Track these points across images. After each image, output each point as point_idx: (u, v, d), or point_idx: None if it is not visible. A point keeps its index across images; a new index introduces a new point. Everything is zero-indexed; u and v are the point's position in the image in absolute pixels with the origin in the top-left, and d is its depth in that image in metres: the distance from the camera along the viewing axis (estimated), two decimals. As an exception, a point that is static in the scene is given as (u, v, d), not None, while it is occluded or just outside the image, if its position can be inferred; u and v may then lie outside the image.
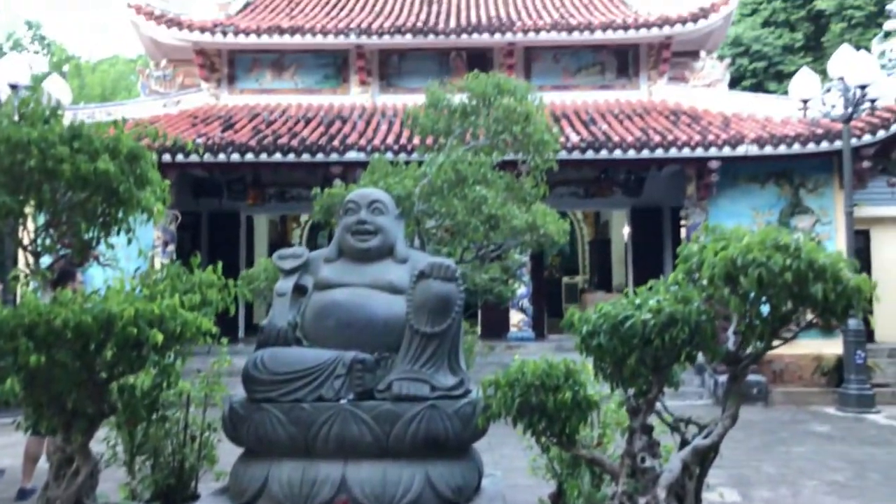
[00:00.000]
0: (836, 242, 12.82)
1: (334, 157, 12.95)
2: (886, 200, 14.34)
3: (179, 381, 4.39)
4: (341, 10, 16.70)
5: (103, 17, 48.15)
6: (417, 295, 3.98)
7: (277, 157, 12.96)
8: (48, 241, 4.04)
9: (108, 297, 3.51)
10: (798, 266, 3.30)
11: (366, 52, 15.55)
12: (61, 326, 3.27)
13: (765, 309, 3.56)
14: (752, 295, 3.45)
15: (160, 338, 3.43)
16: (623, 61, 15.87)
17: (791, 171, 13.50)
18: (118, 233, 4.10)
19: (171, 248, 13.33)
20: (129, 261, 4.66)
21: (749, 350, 3.78)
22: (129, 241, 4.04)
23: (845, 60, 11.18)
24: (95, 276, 9.34)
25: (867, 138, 12.49)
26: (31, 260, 4.05)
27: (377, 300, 4.17)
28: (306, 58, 15.91)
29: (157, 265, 12.16)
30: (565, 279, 20.81)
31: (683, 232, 13.82)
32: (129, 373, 3.71)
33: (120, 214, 3.99)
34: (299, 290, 4.35)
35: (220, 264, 3.99)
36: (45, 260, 4.30)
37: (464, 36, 15.02)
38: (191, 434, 5.10)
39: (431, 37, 15.05)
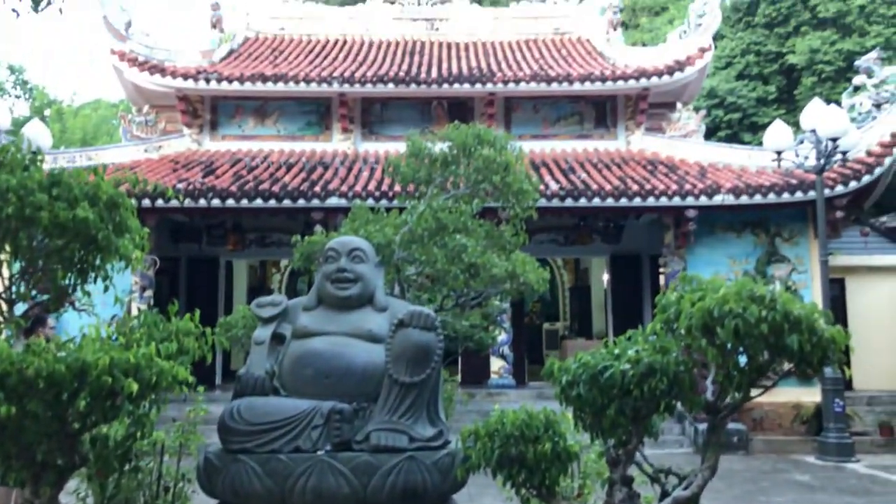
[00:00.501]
0: (812, 290, 12.97)
1: (315, 202, 12.99)
2: (860, 250, 14.59)
3: (153, 430, 4.30)
4: (324, 58, 16.93)
5: (87, 61, 48.41)
6: (396, 344, 3.96)
7: (258, 202, 12.98)
8: (23, 289, 3.99)
9: (83, 346, 3.46)
10: (774, 317, 3.34)
11: (348, 100, 15.73)
12: (34, 376, 3.21)
13: (742, 359, 3.59)
14: (730, 345, 3.48)
15: (135, 387, 3.37)
16: (601, 112, 16.18)
17: (767, 221, 13.73)
18: (95, 280, 4.06)
19: (149, 293, 13.19)
20: (106, 307, 4.61)
21: (728, 400, 3.80)
22: (106, 289, 4.00)
23: (816, 114, 11.47)
24: (71, 322, 9.21)
25: (840, 189, 12.76)
26: (4, 308, 3.99)
27: (356, 349, 4.14)
28: (289, 105, 16.06)
29: (135, 311, 12.05)
30: (546, 325, 20.85)
31: (662, 279, 13.94)
32: (102, 423, 3.63)
33: (97, 261, 3.96)
34: (277, 339, 4.32)
35: (197, 312, 3.96)
36: (20, 307, 4.24)
37: (445, 86, 15.26)
38: (164, 485, 4.99)
39: (413, 86, 15.27)
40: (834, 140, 11.26)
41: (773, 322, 3.35)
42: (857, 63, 14.07)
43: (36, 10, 4.80)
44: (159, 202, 12.47)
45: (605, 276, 16.98)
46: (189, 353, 3.80)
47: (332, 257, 4.45)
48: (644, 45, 22.95)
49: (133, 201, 4.10)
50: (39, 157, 3.98)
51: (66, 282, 4.03)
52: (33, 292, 4.11)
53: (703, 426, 9.38)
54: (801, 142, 11.86)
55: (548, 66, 16.13)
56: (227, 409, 4.05)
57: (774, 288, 3.49)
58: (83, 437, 3.69)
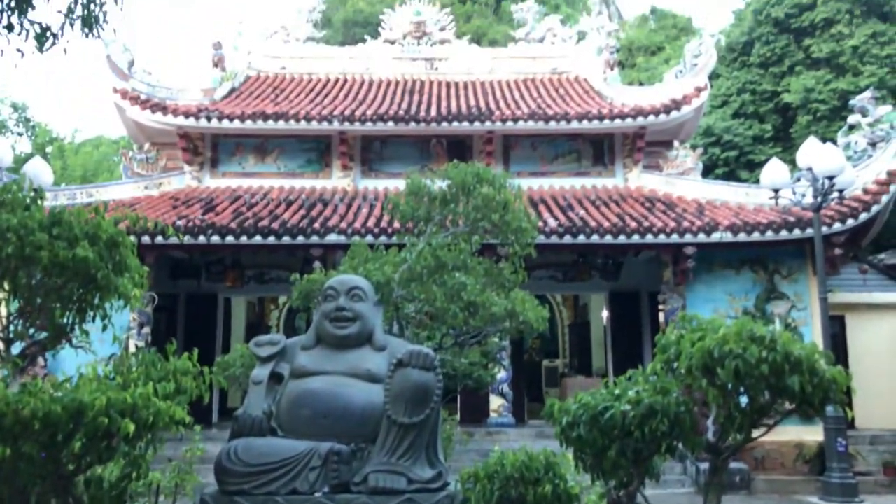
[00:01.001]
0: (813, 328, 12.93)
1: (315, 239, 13.00)
2: (859, 287, 14.59)
3: (149, 471, 4.25)
4: (325, 97, 17.10)
5: (89, 98, 48.86)
6: (395, 384, 3.93)
7: (258, 239, 12.99)
8: (20, 328, 3.98)
9: (80, 386, 3.44)
10: (774, 358, 3.33)
11: (348, 137, 15.85)
12: (29, 417, 3.18)
13: (743, 400, 3.57)
14: (730, 386, 3.47)
15: (132, 428, 3.34)
16: (599, 150, 16.29)
17: (765, 258, 13.74)
18: (94, 318, 4.05)
19: (147, 330, 13.12)
20: (104, 344, 4.59)
21: (729, 440, 3.77)
22: (105, 328, 3.99)
23: (813, 152, 11.54)
24: (68, 360, 9.15)
25: (837, 226, 12.80)
26: (1, 347, 3.97)
27: (354, 389, 4.11)
28: (289, 142, 16.17)
29: (132, 347, 11.99)
30: (545, 362, 20.69)
31: (662, 316, 13.89)
32: (97, 464, 3.60)
33: (96, 300, 3.96)
34: (275, 378, 4.29)
35: (195, 351, 3.94)
36: (16, 346, 4.22)
37: (444, 124, 15.38)
38: (158, 528, 4.92)
39: (413, 124, 15.40)
40: (830, 178, 11.32)
41: (773, 363, 3.34)
42: (851, 102, 14.23)
43: (41, 50, 4.85)
44: (159, 239, 12.45)
45: (605, 313, 16.94)
46: (186, 392, 3.78)
47: (331, 296, 4.45)
48: (641, 84, 23.22)
49: (132, 238, 4.11)
50: (41, 197, 4.00)
51: (65, 320, 4.02)
52: (31, 331, 4.09)
53: (704, 465, 9.26)
54: (798, 179, 11.92)
55: (546, 104, 16.29)
56: (224, 449, 4.00)
57: (774, 328, 3.49)
58: (78, 478, 3.64)
